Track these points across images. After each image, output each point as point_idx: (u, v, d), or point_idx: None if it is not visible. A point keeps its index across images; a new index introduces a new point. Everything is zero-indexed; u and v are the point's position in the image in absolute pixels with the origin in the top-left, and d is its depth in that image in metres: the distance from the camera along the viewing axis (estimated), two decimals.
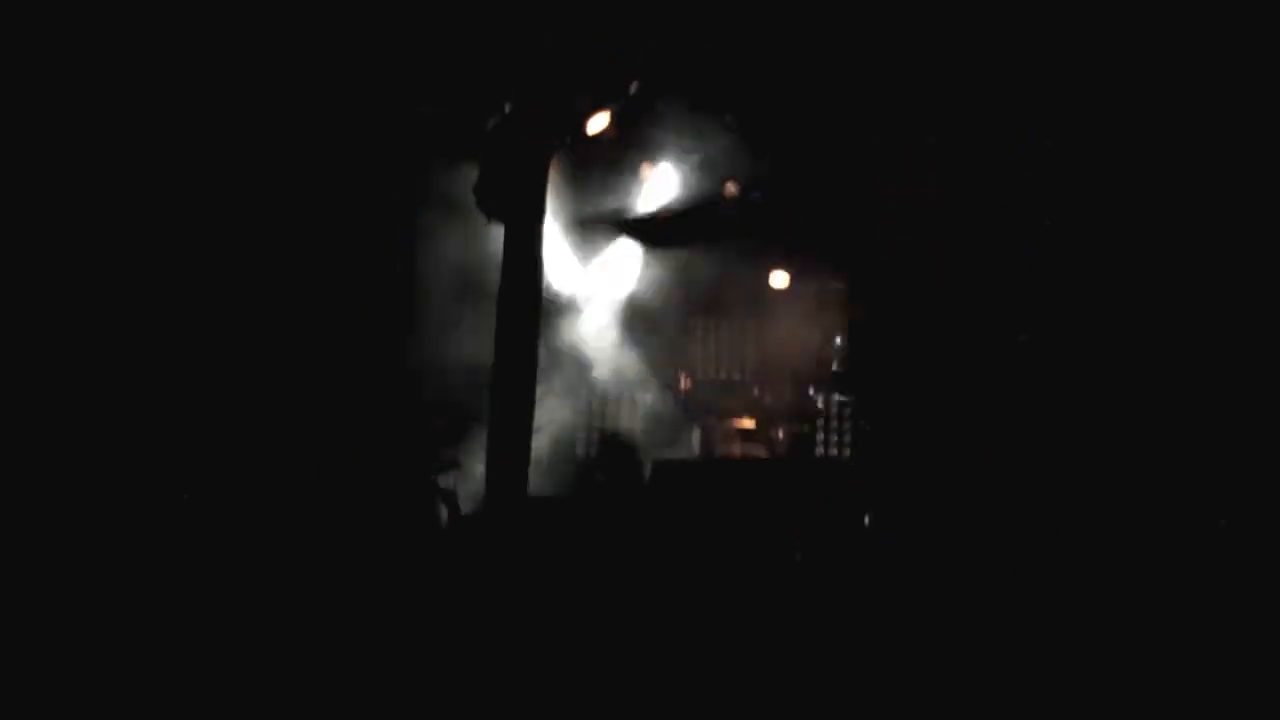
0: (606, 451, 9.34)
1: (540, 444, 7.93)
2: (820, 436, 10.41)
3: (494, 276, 7.63)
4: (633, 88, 8.40)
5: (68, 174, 6.13)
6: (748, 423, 10.55)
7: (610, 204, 10.03)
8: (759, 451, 10.25)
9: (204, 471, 6.23)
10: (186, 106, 6.38)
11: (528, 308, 7.75)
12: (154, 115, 6.30)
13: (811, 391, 10.45)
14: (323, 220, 7.03)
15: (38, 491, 5.68)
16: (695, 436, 10.33)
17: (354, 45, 6.82)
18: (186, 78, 6.31)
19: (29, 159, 5.92)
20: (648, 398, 10.24)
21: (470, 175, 7.74)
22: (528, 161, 7.84)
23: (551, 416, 9.08)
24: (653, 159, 9.80)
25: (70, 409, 5.94)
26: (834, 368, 10.52)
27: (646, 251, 10.42)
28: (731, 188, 10.28)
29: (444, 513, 7.13)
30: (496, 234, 7.75)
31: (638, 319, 10.30)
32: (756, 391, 10.82)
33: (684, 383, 10.56)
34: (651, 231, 10.12)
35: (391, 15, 6.85)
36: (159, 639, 5.30)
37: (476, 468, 7.50)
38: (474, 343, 8.02)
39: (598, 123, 8.52)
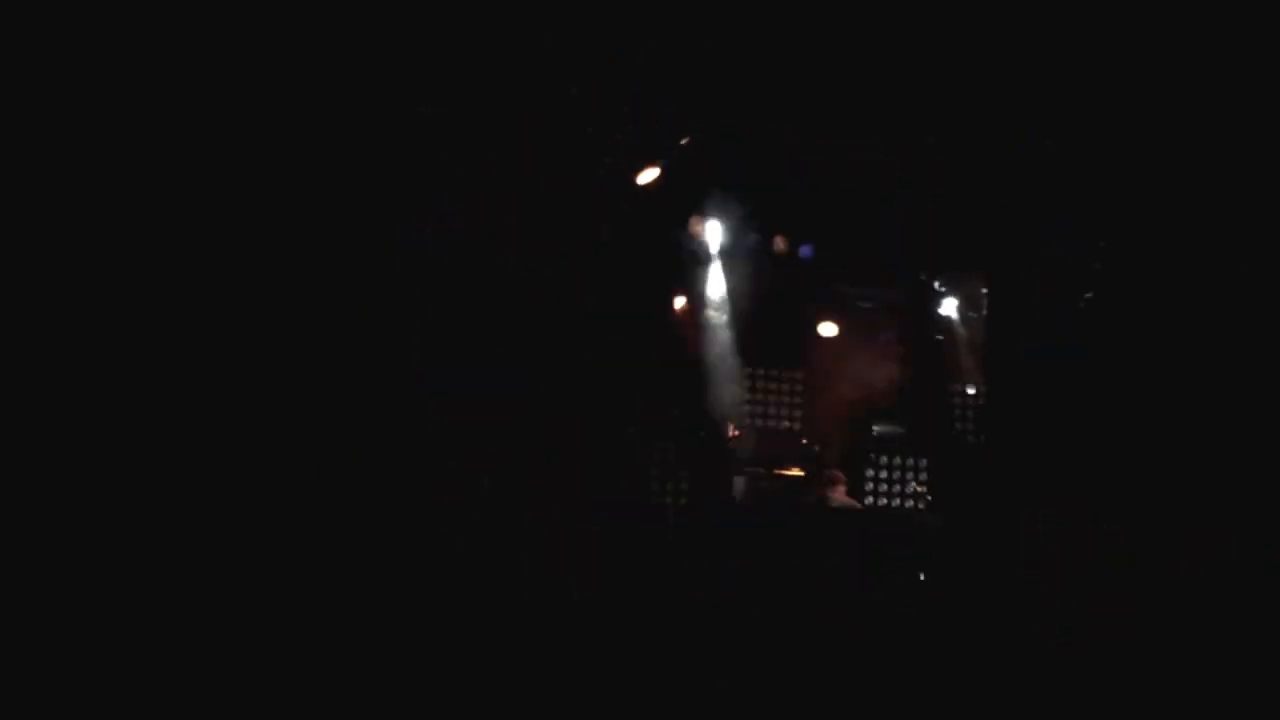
0: None
1: None
2: (869, 487, 10.27)
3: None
4: (684, 141, 8.37)
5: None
6: (797, 472, 10.47)
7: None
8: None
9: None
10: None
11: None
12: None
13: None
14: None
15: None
16: (742, 486, 10.24)
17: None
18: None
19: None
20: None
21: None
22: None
23: None
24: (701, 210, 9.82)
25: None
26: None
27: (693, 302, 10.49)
28: (781, 243, 10.28)
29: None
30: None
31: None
32: (806, 441, 10.75)
33: (732, 431, 10.48)
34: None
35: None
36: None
37: None
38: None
39: (648, 175, 8.51)
